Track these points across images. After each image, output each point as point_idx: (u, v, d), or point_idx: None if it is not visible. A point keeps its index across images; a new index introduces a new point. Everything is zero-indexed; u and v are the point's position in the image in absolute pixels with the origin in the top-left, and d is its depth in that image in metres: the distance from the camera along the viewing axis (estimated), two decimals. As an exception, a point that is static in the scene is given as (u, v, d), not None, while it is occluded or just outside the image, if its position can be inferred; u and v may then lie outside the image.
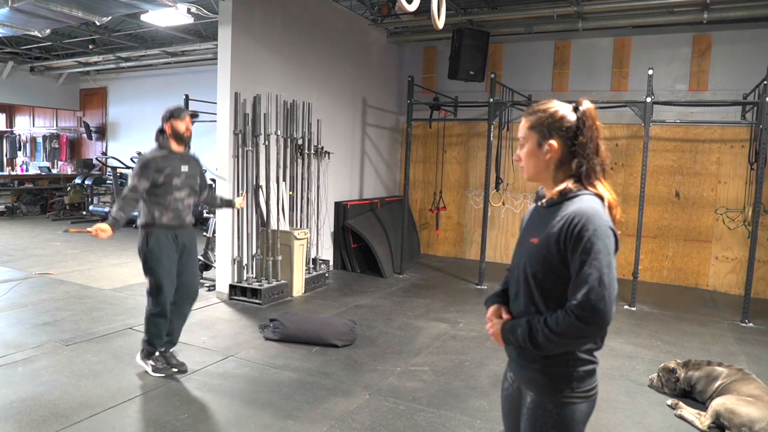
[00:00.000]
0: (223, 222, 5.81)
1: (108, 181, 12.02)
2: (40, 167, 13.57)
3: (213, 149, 5.82)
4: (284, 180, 6.32)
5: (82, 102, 13.77)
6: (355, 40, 7.79)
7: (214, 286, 6.00)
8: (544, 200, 1.67)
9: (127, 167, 11.14)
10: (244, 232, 5.83)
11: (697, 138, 7.22)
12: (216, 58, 6.30)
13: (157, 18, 6.77)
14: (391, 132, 9.03)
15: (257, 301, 5.60)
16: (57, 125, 14.28)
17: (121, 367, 3.87)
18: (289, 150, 6.36)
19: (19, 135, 14.73)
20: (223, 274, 5.83)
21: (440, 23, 3.55)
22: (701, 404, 3.55)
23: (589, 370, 1.58)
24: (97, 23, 6.23)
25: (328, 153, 7.07)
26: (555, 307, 1.54)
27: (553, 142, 1.62)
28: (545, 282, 1.57)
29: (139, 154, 10.64)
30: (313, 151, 6.70)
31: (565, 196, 1.59)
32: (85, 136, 13.49)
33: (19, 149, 14.58)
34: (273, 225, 6.00)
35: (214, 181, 6.17)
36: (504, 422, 1.85)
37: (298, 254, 6.01)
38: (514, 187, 8.29)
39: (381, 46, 8.49)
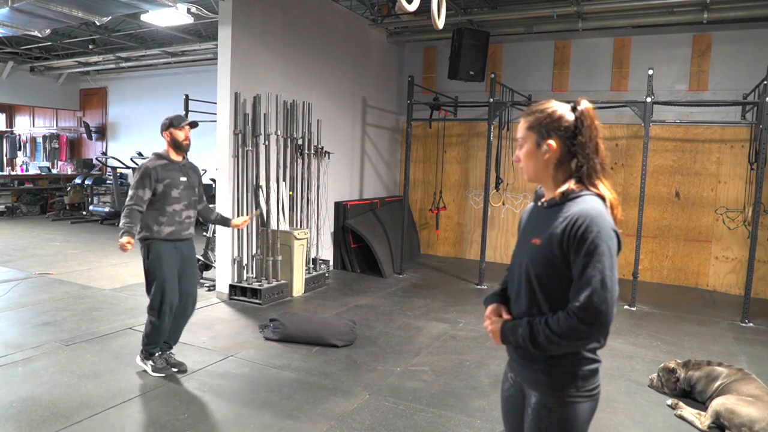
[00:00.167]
0: (223, 222, 5.81)
1: (108, 181, 12.02)
2: (40, 167, 13.57)
3: (213, 149, 5.82)
4: (284, 180, 6.32)
5: (82, 102, 13.78)
6: (355, 40, 7.79)
7: (214, 286, 6.00)
8: (544, 200, 1.66)
9: (127, 167, 11.14)
10: (244, 232, 5.83)
11: (697, 138, 7.22)
12: (216, 58, 6.30)
13: (157, 18, 6.77)
14: (391, 132, 9.03)
15: (257, 301, 5.60)
16: (57, 125, 14.29)
17: (121, 367, 3.87)
18: (289, 150, 6.37)
19: (19, 135, 14.73)
20: (223, 274, 5.83)
21: (440, 23, 3.55)
22: (701, 404, 3.55)
23: (593, 369, 1.58)
24: (97, 23, 6.23)
25: (328, 153, 7.07)
26: (558, 307, 1.54)
27: (552, 142, 1.61)
28: (548, 283, 1.57)
29: (139, 154, 10.71)
30: (313, 151, 6.70)
31: (567, 197, 1.58)
32: (85, 136, 13.50)
33: (19, 149, 14.59)
34: (273, 225, 6.00)
35: (214, 181, 6.16)
36: (504, 422, 1.84)
37: (298, 254, 6.01)
38: (514, 187, 8.29)
39: (381, 46, 8.49)
